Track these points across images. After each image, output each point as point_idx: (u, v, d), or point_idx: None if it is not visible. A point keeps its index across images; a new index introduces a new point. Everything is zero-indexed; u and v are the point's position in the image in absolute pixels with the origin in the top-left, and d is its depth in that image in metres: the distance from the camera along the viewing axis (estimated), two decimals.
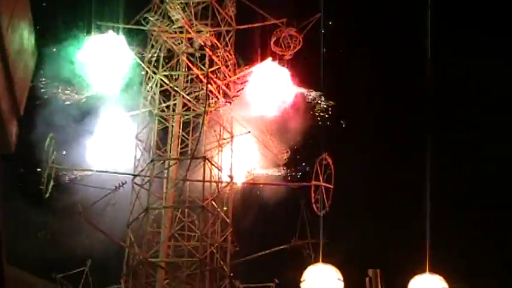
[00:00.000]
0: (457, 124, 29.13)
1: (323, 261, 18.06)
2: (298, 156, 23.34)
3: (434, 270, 12.88)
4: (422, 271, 13.06)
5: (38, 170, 20.87)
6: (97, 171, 21.41)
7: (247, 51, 23.34)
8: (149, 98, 21.62)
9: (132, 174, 20.79)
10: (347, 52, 26.75)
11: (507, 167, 27.25)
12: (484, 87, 28.63)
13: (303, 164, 23.07)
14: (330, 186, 21.17)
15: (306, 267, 18.45)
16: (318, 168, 21.37)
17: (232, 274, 20.29)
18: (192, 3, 21.51)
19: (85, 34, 21.76)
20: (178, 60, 21.96)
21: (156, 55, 21.80)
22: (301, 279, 11.82)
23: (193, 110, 21.74)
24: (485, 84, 28.62)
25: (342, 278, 11.42)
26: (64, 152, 21.34)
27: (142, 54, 22.07)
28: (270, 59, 22.60)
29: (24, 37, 9.51)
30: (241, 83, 21.89)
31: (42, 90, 21.27)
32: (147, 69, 21.79)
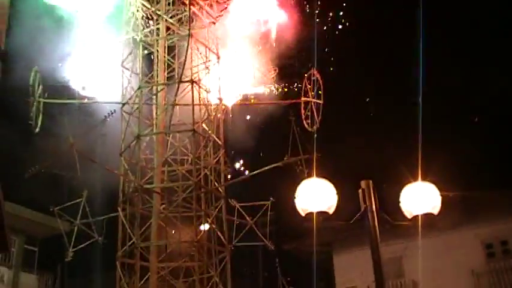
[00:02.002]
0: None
1: (316, 176, 18.30)
2: (288, 73, 23.17)
3: (427, 179, 13.11)
4: (415, 180, 13.28)
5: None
6: (85, 102, 21.25)
7: None
8: (132, 23, 21.18)
9: (120, 103, 20.65)
10: None
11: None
12: None
13: (292, 80, 22.94)
14: (320, 101, 21.15)
15: (299, 183, 18.67)
16: (307, 83, 21.27)
17: (227, 195, 20.56)
18: None
19: None
20: None
21: None
22: (295, 195, 11.93)
23: (177, 33, 21.38)
24: None
25: (335, 192, 11.56)
26: (50, 84, 21.05)
27: None
28: None
29: None
30: (224, 2, 21.42)
31: (22, 21, 20.73)
32: None
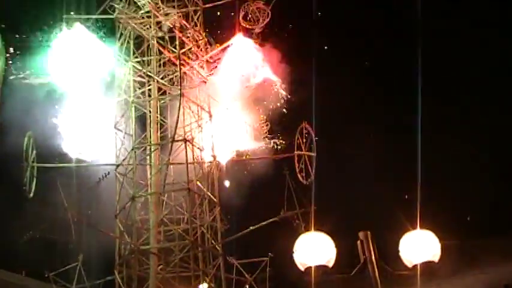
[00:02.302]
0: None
1: (314, 230, 18.26)
2: (278, 127, 23.32)
3: (425, 227, 13.08)
4: (413, 229, 13.26)
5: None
6: (79, 164, 21.28)
7: (217, 29, 23.23)
8: (123, 85, 21.43)
9: (114, 165, 20.69)
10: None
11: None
12: None
13: (283, 134, 23.06)
14: (313, 154, 21.26)
15: (297, 237, 18.61)
16: (299, 137, 21.44)
17: (225, 252, 20.39)
18: None
19: (52, 29, 21.42)
20: (148, 45, 21.79)
21: (126, 42, 21.57)
22: (294, 250, 11.90)
23: (169, 93, 21.63)
24: None
25: (334, 245, 11.53)
26: (43, 148, 21.15)
27: (113, 42, 21.83)
28: (239, 34, 22.46)
29: None
30: (214, 61, 21.77)
31: (15, 88, 20.99)
32: (118, 57, 21.57)
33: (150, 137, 21.21)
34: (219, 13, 23.35)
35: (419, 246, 11.02)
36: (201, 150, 20.81)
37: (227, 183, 22.27)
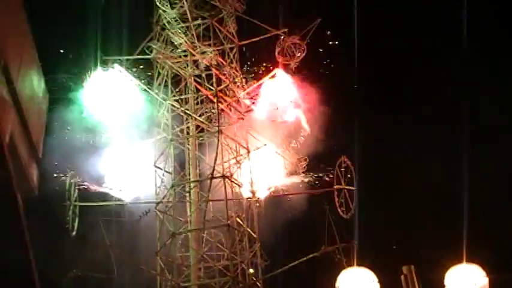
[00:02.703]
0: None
1: (356, 265, 18.04)
2: (317, 162, 23.21)
3: (471, 260, 12.76)
4: (459, 263, 12.96)
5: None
6: (120, 202, 21.51)
7: (254, 65, 23.47)
8: (162, 124, 21.73)
9: (154, 202, 20.87)
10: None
11: None
12: None
13: (323, 168, 22.94)
14: (352, 188, 21.10)
15: (339, 272, 18.38)
16: (338, 171, 21.32)
17: None
18: (193, 25, 21.63)
19: (92, 70, 21.96)
20: (186, 83, 22.12)
21: (163, 81, 21.94)
22: (336, 286, 11.73)
23: (207, 130, 21.82)
24: None
25: (376, 280, 11.34)
26: (85, 187, 21.48)
27: (151, 82, 22.27)
28: (276, 70, 22.65)
29: (35, 83, 9.67)
30: (251, 98, 21.93)
31: (57, 130, 21.45)
32: (156, 96, 21.93)
33: (189, 174, 21.37)
34: (254, 50, 23.57)
35: (466, 281, 10.77)
36: (239, 186, 20.83)
37: (266, 218, 22.19)
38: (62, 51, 22.00)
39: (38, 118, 10.50)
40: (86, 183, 21.34)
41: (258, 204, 21.63)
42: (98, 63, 21.89)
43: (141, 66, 22.76)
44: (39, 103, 10.17)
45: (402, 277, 11.12)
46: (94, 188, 21.50)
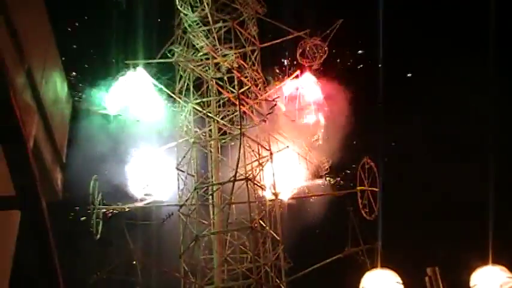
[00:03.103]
0: None
1: (380, 266, 17.90)
2: (341, 163, 23.09)
3: (496, 262, 12.61)
4: (484, 264, 12.80)
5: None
6: (143, 205, 21.63)
7: (275, 67, 23.46)
8: (185, 127, 21.80)
9: (178, 205, 20.93)
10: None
11: None
12: None
13: (347, 170, 22.85)
14: (375, 189, 20.97)
15: (362, 274, 18.26)
16: (361, 172, 21.21)
17: None
18: (214, 28, 21.69)
19: (115, 74, 22.10)
20: (208, 86, 22.16)
21: (185, 84, 22.02)
22: (360, 287, 11.64)
23: (229, 133, 21.83)
24: None
25: (401, 281, 11.23)
26: (109, 191, 21.63)
27: (173, 85, 22.36)
28: (298, 71, 22.61)
29: (58, 86, 9.74)
30: (273, 100, 21.88)
31: (81, 134, 21.61)
32: (178, 99, 22.01)
33: (212, 176, 21.40)
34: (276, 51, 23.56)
35: (492, 282, 10.62)
36: (262, 188, 20.80)
37: (289, 220, 22.13)
38: (84, 55, 22.11)
39: (62, 122, 10.54)
40: (110, 187, 21.50)
41: (281, 206, 21.57)
42: (121, 67, 22.03)
43: (164, 70, 22.83)
44: (63, 107, 10.22)
45: (426, 279, 10.99)
46: (118, 191, 21.66)
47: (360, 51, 24.64)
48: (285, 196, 22.19)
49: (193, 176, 20.97)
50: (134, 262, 20.18)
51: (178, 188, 21.19)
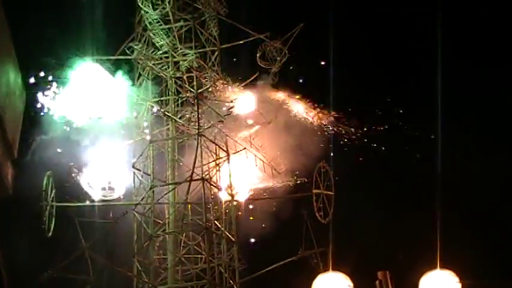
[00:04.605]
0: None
1: (332, 269, 18.10)
2: (296, 166, 23.18)
3: (445, 266, 12.86)
4: (433, 269, 13.07)
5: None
6: (97, 203, 21.38)
7: (235, 69, 23.44)
8: (142, 125, 21.63)
9: (133, 204, 20.75)
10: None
11: None
12: None
13: (301, 173, 22.93)
14: (331, 193, 21.17)
15: (315, 277, 18.44)
16: (317, 176, 21.39)
17: None
18: (175, 27, 21.61)
19: (71, 68, 21.67)
20: (166, 85, 22.05)
21: (144, 82, 21.85)
22: None
23: (187, 132, 21.75)
24: None
25: (352, 285, 11.40)
26: (62, 187, 21.30)
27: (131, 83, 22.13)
28: (256, 73, 22.66)
29: (11, 80, 9.58)
30: (231, 101, 21.87)
31: (33, 128, 21.20)
32: (136, 97, 21.82)
33: (168, 176, 21.29)
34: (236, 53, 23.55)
35: (440, 286, 10.84)
36: (218, 189, 20.80)
37: (244, 222, 22.17)
38: (39, 49, 21.65)
39: (14, 116, 10.40)
40: (63, 183, 21.18)
41: (236, 207, 21.59)
42: (78, 62, 21.62)
43: (122, 67, 22.57)
44: (15, 101, 10.07)
45: (377, 283, 11.18)
46: (72, 188, 21.34)
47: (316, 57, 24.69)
48: (241, 197, 22.22)
49: (149, 175, 20.82)
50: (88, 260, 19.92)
51: (134, 186, 21.02)
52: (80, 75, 21.67)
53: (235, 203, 21.34)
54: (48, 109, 21.29)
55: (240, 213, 21.91)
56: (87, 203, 21.51)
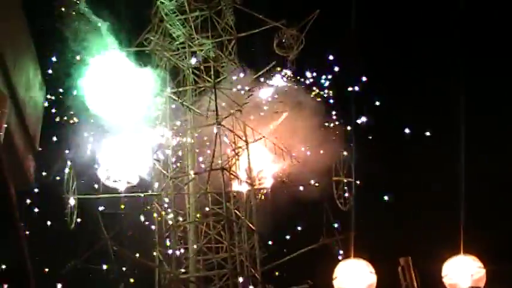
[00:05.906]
0: None
1: (354, 256, 18.03)
2: (319, 153, 23.00)
3: (468, 251, 12.79)
4: (456, 254, 12.98)
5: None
6: (119, 195, 21.47)
7: (252, 57, 23.36)
8: (161, 116, 21.68)
9: (153, 194, 20.85)
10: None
11: None
12: None
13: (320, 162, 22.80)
14: (351, 180, 21.11)
15: (336, 264, 18.38)
16: (337, 163, 21.32)
17: (264, 280, 20.25)
18: (191, 17, 21.59)
19: (90, 60, 21.68)
20: (184, 75, 22.06)
21: (162, 73, 21.87)
22: (333, 277, 11.77)
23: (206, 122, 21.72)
24: None
25: (374, 271, 11.37)
26: (83, 180, 21.39)
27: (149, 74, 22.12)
28: (274, 62, 22.55)
29: (31, 74, 9.65)
30: (250, 90, 21.82)
31: (55, 122, 21.28)
32: (155, 88, 21.84)
33: (188, 166, 21.34)
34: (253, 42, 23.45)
35: (463, 272, 10.78)
36: (238, 178, 20.81)
37: (265, 209, 22.16)
38: (58, 42, 21.69)
39: (35, 110, 10.48)
40: (84, 175, 21.26)
41: (256, 196, 21.60)
42: (96, 54, 21.64)
43: (140, 59, 22.58)
44: (36, 94, 10.15)
45: (399, 269, 11.13)
46: (93, 180, 21.43)
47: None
48: (261, 186, 22.21)
49: (169, 165, 20.90)
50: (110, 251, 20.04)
51: (154, 177, 21.11)
52: (98, 66, 21.67)
53: (254, 191, 21.34)
54: (69, 102, 21.36)
55: (260, 201, 21.90)
56: (108, 195, 21.59)
